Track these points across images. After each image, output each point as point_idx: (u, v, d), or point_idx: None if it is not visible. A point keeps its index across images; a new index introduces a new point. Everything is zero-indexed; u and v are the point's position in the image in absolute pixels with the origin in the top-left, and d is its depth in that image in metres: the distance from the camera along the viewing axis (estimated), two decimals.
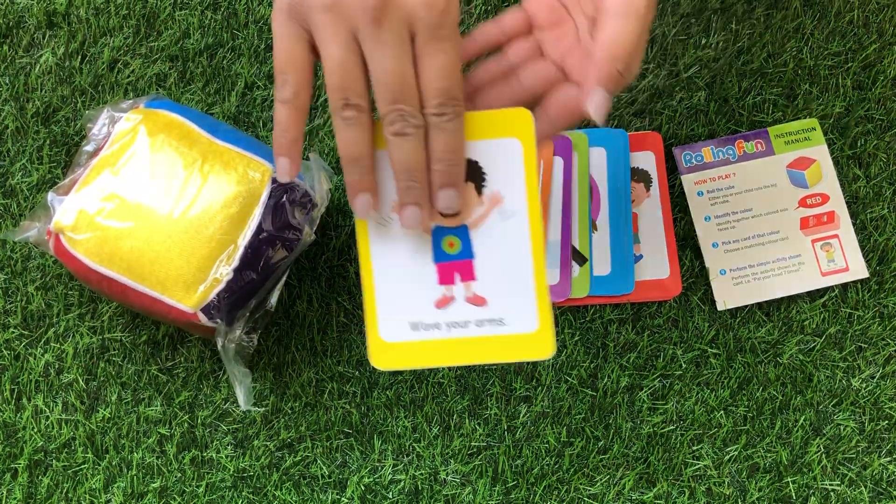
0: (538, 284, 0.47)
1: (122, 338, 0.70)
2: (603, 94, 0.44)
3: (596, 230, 0.71)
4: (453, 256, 0.48)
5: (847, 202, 0.71)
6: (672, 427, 0.68)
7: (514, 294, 0.48)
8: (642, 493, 0.67)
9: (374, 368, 0.69)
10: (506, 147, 0.46)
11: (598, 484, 0.68)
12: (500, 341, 0.48)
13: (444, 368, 0.69)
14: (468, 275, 0.48)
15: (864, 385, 0.69)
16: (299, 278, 0.71)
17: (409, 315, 0.48)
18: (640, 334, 0.70)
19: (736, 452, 0.68)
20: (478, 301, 0.48)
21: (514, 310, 0.48)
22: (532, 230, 0.47)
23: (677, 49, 0.74)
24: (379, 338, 0.49)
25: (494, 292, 0.48)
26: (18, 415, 0.69)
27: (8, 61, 0.74)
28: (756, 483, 0.67)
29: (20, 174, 0.72)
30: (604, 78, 0.43)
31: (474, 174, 0.47)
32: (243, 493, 0.68)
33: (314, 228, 0.64)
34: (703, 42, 0.74)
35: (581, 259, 0.70)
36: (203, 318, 0.61)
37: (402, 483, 0.68)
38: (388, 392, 0.69)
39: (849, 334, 0.70)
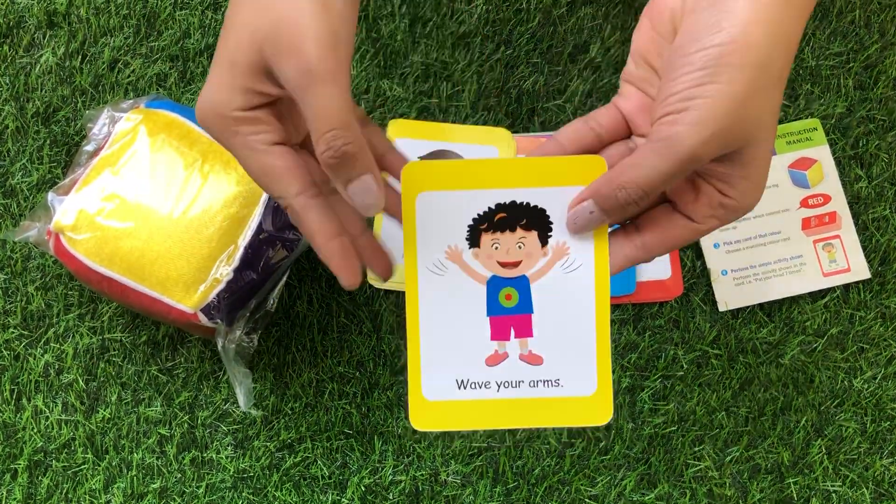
0: (600, 345, 0.44)
1: (122, 338, 0.70)
2: (589, 205, 0.41)
3: None
4: (510, 310, 0.45)
5: (849, 202, 0.71)
6: (673, 428, 0.68)
7: (574, 354, 0.44)
8: (643, 494, 0.67)
9: (374, 369, 0.69)
10: (575, 196, 0.43)
11: (599, 485, 0.67)
12: (554, 404, 0.45)
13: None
14: (525, 331, 0.45)
15: (865, 386, 0.69)
16: (299, 279, 0.71)
17: (456, 372, 0.45)
18: (642, 335, 0.70)
19: (737, 453, 0.68)
20: (533, 360, 0.45)
21: (573, 371, 0.45)
22: (598, 286, 0.44)
23: None
24: (421, 395, 0.45)
25: (552, 351, 0.45)
26: (18, 415, 0.69)
27: (8, 61, 0.74)
28: (758, 484, 0.67)
29: (20, 174, 0.72)
30: (600, 194, 0.40)
31: (540, 223, 0.44)
32: (243, 494, 0.67)
33: None
34: None
35: None
36: (203, 319, 0.61)
37: (403, 484, 0.68)
38: (388, 393, 0.69)
39: (850, 335, 0.70)
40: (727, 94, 0.36)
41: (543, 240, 0.44)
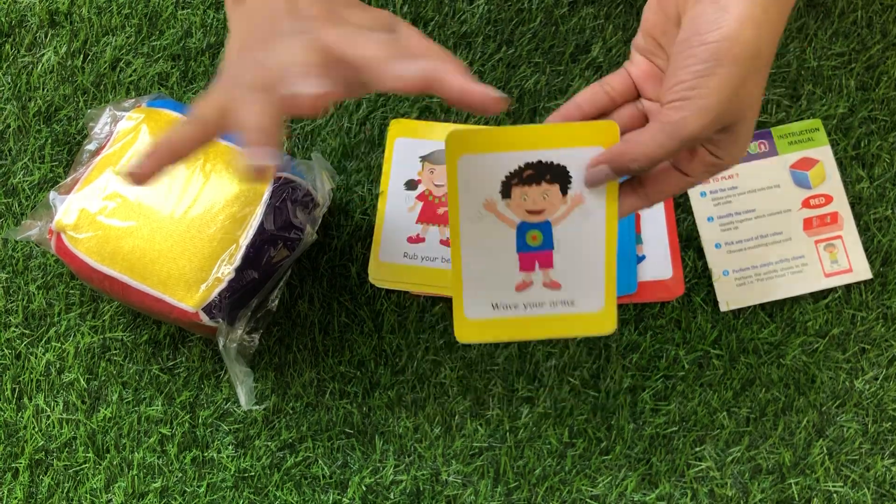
0: (608, 273, 0.54)
1: (124, 337, 0.70)
2: (605, 168, 0.49)
3: None
4: (535, 248, 0.54)
5: (850, 203, 0.71)
6: (674, 428, 0.68)
7: (586, 280, 0.54)
8: (644, 494, 0.67)
9: (375, 368, 0.69)
10: (591, 155, 0.51)
11: (601, 485, 0.67)
12: (569, 319, 0.55)
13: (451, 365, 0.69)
14: (547, 263, 0.54)
15: (867, 386, 0.69)
16: (301, 278, 0.71)
17: (491, 297, 0.55)
18: (643, 335, 0.70)
19: (739, 454, 0.68)
20: (554, 285, 0.54)
21: (585, 293, 0.54)
22: (608, 227, 0.53)
23: None
24: (463, 315, 0.55)
25: (569, 278, 0.54)
26: (19, 414, 0.69)
27: (10, 60, 0.74)
28: (759, 484, 0.67)
29: (22, 173, 0.72)
30: (615, 162, 0.48)
31: (561, 177, 0.52)
32: (244, 494, 0.67)
33: (316, 228, 0.64)
34: None
35: None
36: (204, 318, 0.61)
37: (404, 484, 0.68)
38: (389, 392, 0.69)
39: (852, 335, 0.69)
40: (725, 85, 0.43)
41: (564, 191, 0.52)
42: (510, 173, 0.52)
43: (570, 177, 0.52)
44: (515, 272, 0.55)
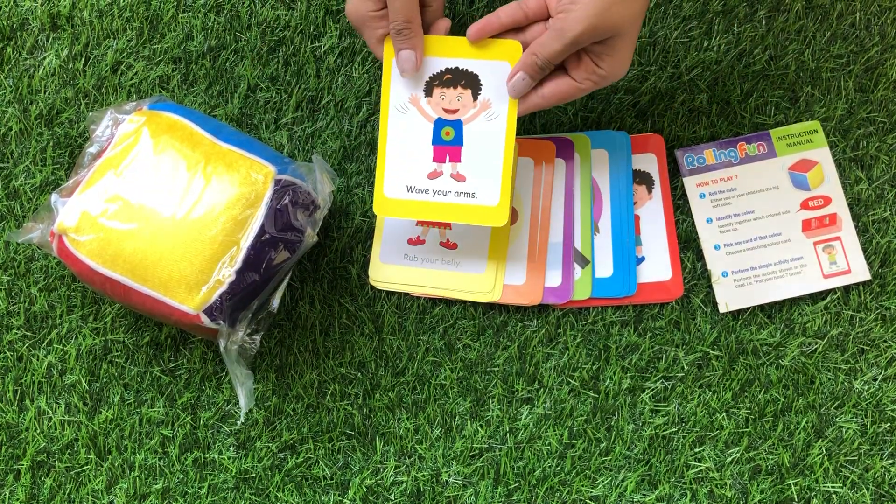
0: (504, 171, 0.63)
1: (125, 339, 0.70)
2: (522, 74, 0.61)
3: (598, 232, 0.71)
4: (447, 142, 0.64)
5: (849, 204, 0.71)
6: (674, 429, 0.68)
7: (487, 176, 0.64)
8: (644, 494, 0.67)
9: (376, 370, 0.70)
10: (499, 67, 0.63)
11: (600, 486, 0.68)
12: (469, 209, 0.64)
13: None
14: (456, 157, 0.64)
15: (866, 387, 0.69)
16: (302, 280, 0.71)
17: (407, 180, 0.65)
18: (642, 336, 0.70)
19: (738, 454, 0.68)
20: (459, 178, 0.64)
21: (484, 187, 0.64)
22: (507, 131, 0.63)
23: (679, 51, 0.74)
24: (382, 193, 0.65)
25: (472, 173, 0.64)
26: (21, 416, 0.69)
27: (12, 63, 0.74)
28: (758, 485, 0.67)
29: (24, 176, 0.73)
30: (528, 68, 0.60)
31: (473, 83, 0.63)
32: (245, 495, 0.68)
33: (316, 230, 0.64)
34: (705, 44, 0.74)
35: (583, 261, 0.70)
36: (205, 320, 0.61)
37: (404, 485, 0.68)
38: (390, 394, 0.69)
39: (851, 336, 0.70)
40: (596, 2, 0.56)
41: (475, 96, 0.63)
42: (433, 75, 0.64)
43: (481, 84, 0.63)
44: (429, 162, 0.64)
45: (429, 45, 0.63)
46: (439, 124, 0.64)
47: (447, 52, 0.63)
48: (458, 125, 0.64)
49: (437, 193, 0.64)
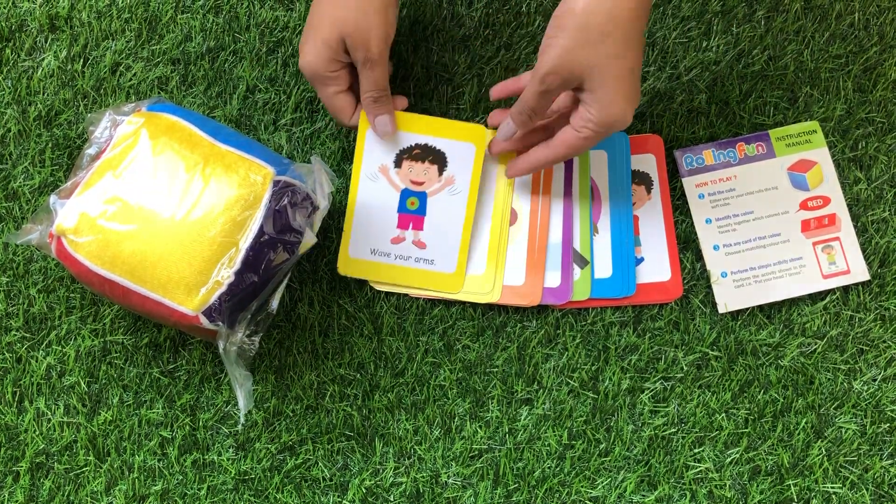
0: (462, 243, 0.69)
1: (124, 340, 0.70)
2: (508, 123, 0.66)
3: (597, 233, 0.71)
4: (412, 211, 0.69)
5: (848, 204, 0.72)
6: (673, 430, 0.68)
7: (446, 246, 0.69)
8: (643, 495, 0.67)
9: (375, 371, 0.69)
10: (464, 148, 0.70)
11: (600, 486, 0.68)
12: (427, 274, 0.69)
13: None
14: (418, 226, 0.69)
15: (865, 388, 0.69)
16: (301, 281, 0.71)
17: (371, 243, 0.69)
18: (642, 337, 0.70)
19: (737, 455, 0.68)
20: (420, 245, 0.69)
21: (443, 255, 0.69)
22: (468, 206, 0.69)
23: (678, 52, 0.74)
24: (347, 254, 0.70)
25: (432, 241, 0.69)
26: (20, 417, 0.69)
27: (10, 65, 0.74)
28: (757, 486, 0.67)
29: (22, 177, 0.73)
30: (512, 113, 0.65)
31: (440, 159, 0.70)
32: (245, 496, 0.68)
33: (315, 231, 0.64)
34: (704, 45, 0.74)
35: (582, 261, 0.70)
36: (204, 321, 0.61)
37: (404, 486, 0.68)
38: (389, 395, 0.69)
39: (850, 337, 0.70)
40: (558, 45, 0.58)
41: (441, 171, 0.69)
42: (403, 149, 0.70)
43: (447, 161, 0.69)
44: (393, 227, 0.69)
45: (402, 121, 0.69)
46: (405, 194, 0.69)
47: (418, 129, 0.69)
48: (422, 196, 0.69)
49: (399, 258, 0.69)
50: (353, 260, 0.69)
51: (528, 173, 0.68)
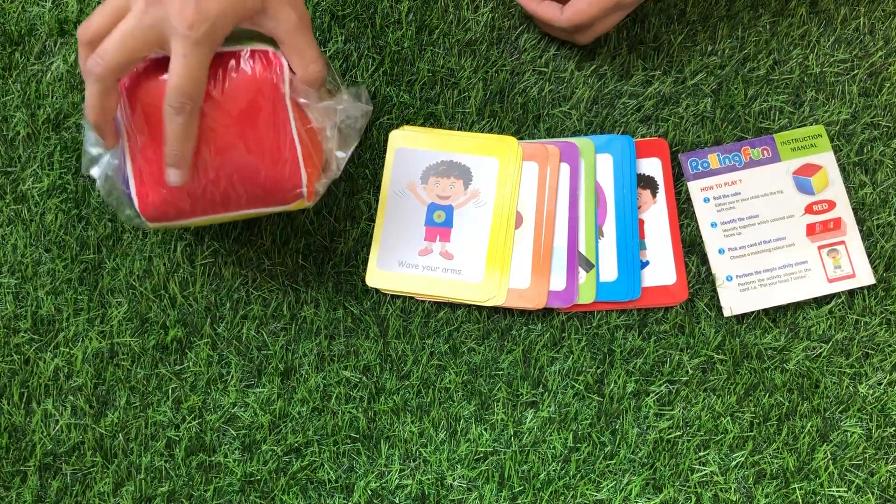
0: (490, 252, 0.70)
1: (131, 342, 0.70)
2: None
3: (602, 236, 0.71)
4: (439, 224, 0.71)
5: (853, 209, 0.72)
6: (678, 433, 0.68)
7: (472, 256, 0.70)
8: (649, 498, 0.67)
9: (381, 373, 0.70)
10: (489, 162, 0.72)
11: (605, 490, 0.68)
12: (454, 284, 0.70)
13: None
14: (445, 237, 0.71)
15: (870, 391, 0.69)
16: (307, 283, 0.71)
17: (399, 256, 0.71)
18: (647, 340, 0.70)
19: (742, 458, 0.68)
20: (447, 256, 0.71)
21: (470, 265, 0.70)
22: (494, 217, 0.71)
23: (683, 56, 0.74)
24: (375, 266, 0.71)
25: (459, 252, 0.71)
26: (28, 419, 0.69)
27: (20, 69, 0.75)
28: (763, 489, 0.67)
29: (31, 180, 0.73)
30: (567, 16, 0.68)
31: (465, 174, 0.72)
32: (251, 498, 0.68)
33: (342, 166, 0.62)
34: (710, 49, 0.74)
35: (588, 265, 0.70)
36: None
37: (409, 488, 0.68)
38: (394, 397, 0.69)
39: (855, 341, 0.70)
40: None
41: (466, 185, 0.72)
42: (429, 165, 0.72)
43: (472, 176, 0.72)
44: (421, 240, 0.71)
45: (430, 139, 0.72)
46: (432, 207, 0.71)
47: (443, 147, 0.72)
48: (449, 210, 0.71)
49: (426, 269, 0.70)
50: (382, 273, 0.70)
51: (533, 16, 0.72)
